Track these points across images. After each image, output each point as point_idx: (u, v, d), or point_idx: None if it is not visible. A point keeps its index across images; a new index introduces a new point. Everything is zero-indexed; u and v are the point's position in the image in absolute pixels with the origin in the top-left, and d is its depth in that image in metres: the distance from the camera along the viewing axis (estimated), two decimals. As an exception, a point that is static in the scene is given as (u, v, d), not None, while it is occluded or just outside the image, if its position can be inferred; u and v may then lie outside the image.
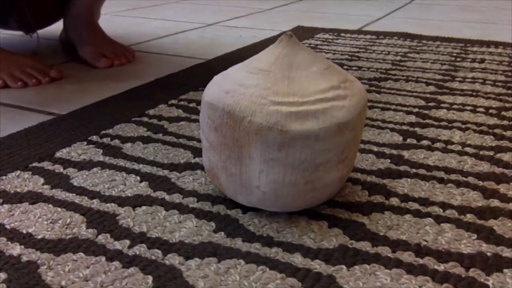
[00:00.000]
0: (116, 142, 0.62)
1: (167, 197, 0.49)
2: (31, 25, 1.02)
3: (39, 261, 0.40)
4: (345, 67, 0.96)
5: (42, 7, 1.05)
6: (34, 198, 0.49)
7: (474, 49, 1.11)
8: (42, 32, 1.25)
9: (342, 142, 0.43)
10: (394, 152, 0.59)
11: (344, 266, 0.39)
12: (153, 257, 0.40)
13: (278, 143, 0.41)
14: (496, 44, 1.15)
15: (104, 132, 0.65)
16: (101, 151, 0.59)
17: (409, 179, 0.53)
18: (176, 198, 0.49)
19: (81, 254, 0.41)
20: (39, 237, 0.43)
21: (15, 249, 0.41)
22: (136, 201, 0.48)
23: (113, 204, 0.48)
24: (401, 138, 0.63)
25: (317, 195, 0.45)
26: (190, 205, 0.48)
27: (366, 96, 0.46)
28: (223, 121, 0.43)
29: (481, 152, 0.59)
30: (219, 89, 0.44)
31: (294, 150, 0.41)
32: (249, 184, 0.44)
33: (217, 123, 0.43)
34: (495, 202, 0.49)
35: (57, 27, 1.12)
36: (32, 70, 0.87)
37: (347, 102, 0.43)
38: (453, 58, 1.03)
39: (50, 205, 0.48)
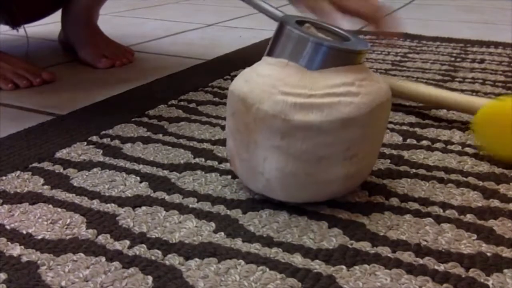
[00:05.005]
0: (116, 142, 0.62)
1: (167, 197, 0.49)
2: (18, 18, 0.99)
3: (39, 262, 0.40)
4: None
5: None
6: (34, 198, 0.49)
7: (474, 49, 1.11)
8: (41, 32, 1.25)
9: (348, 138, 0.43)
10: (394, 152, 0.59)
11: (344, 266, 0.39)
12: (153, 258, 0.40)
13: (281, 131, 0.43)
14: (496, 44, 1.15)
15: (104, 132, 0.65)
16: (101, 151, 0.59)
17: (409, 179, 0.53)
18: (176, 198, 0.49)
19: (81, 254, 0.41)
20: (39, 237, 0.43)
21: (15, 250, 0.41)
22: (136, 202, 0.48)
23: (113, 205, 0.48)
24: (401, 138, 0.63)
25: (319, 189, 0.45)
26: (190, 206, 0.48)
27: (387, 98, 0.46)
28: (238, 107, 0.45)
29: (481, 152, 0.59)
30: (241, 78, 0.47)
31: (295, 140, 0.43)
32: (255, 170, 0.46)
33: (233, 109, 0.46)
34: (495, 202, 0.49)
35: (57, 27, 1.12)
36: (23, 72, 0.86)
37: (357, 99, 0.43)
38: (453, 59, 1.03)
39: (50, 206, 0.48)
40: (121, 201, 0.49)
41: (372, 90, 0.44)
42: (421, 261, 0.40)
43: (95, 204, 0.48)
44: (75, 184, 0.52)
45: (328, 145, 0.43)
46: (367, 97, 0.44)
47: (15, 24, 1.00)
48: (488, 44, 1.15)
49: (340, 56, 0.45)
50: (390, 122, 0.68)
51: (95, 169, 0.55)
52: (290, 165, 0.44)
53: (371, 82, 0.45)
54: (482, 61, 1.01)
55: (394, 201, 0.49)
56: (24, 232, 0.44)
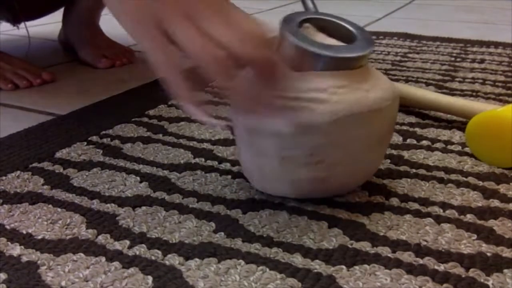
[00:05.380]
0: (116, 142, 0.62)
1: (167, 197, 0.49)
2: (19, 15, 0.99)
3: (39, 262, 0.40)
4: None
5: None
6: (34, 198, 0.49)
7: (474, 49, 1.11)
8: (42, 32, 1.25)
9: (309, 145, 0.43)
10: (394, 152, 0.59)
11: (344, 266, 0.39)
12: (153, 258, 0.40)
13: (247, 127, 0.45)
14: (496, 44, 1.15)
15: (104, 132, 0.65)
16: (101, 151, 0.59)
17: (409, 179, 0.53)
18: (176, 198, 0.49)
19: (81, 254, 0.41)
20: (39, 237, 0.43)
21: (15, 250, 0.41)
22: (136, 202, 0.48)
23: (113, 205, 0.48)
24: (401, 138, 0.63)
25: (287, 186, 0.46)
26: (190, 205, 0.48)
27: (371, 108, 0.43)
28: None
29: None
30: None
31: (259, 137, 0.44)
32: (239, 157, 0.50)
33: None
34: (495, 202, 0.49)
35: (57, 27, 1.12)
36: (23, 72, 0.86)
37: (323, 106, 0.42)
38: (453, 59, 1.03)
39: (50, 206, 0.48)
40: (121, 201, 0.49)
41: (347, 99, 0.42)
42: (421, 261, 0.40)
43: (95, 204, 0.48)
44: (75, 184, 0.52)
45: (289, 148, 0.43)
46: (337, 105, 0.42)
47: (16, 22, 1.00)
48: (488, 44, 1.15)
49: (333, 63, 0.43)
50: (390, 122, 0.68)
51: (95, 169, 0.55)
52: (256, 159, 0.46)
53: (352, 90, 0.43)
54: (482, 61, 1.01)
55: (394, 201, 0.49)
56: (24, 232, 0.44)
